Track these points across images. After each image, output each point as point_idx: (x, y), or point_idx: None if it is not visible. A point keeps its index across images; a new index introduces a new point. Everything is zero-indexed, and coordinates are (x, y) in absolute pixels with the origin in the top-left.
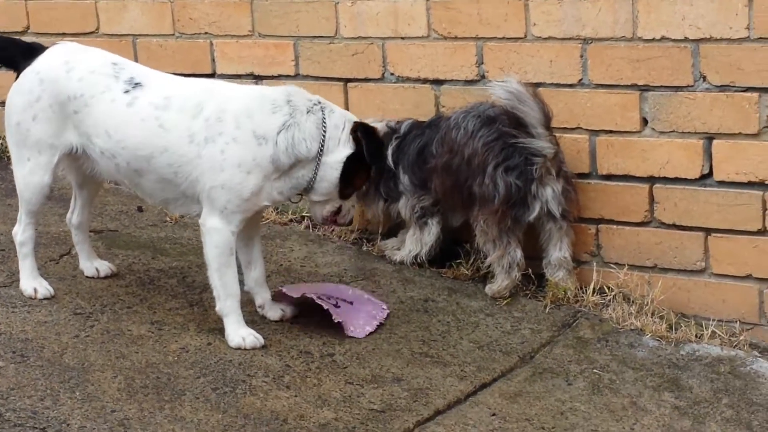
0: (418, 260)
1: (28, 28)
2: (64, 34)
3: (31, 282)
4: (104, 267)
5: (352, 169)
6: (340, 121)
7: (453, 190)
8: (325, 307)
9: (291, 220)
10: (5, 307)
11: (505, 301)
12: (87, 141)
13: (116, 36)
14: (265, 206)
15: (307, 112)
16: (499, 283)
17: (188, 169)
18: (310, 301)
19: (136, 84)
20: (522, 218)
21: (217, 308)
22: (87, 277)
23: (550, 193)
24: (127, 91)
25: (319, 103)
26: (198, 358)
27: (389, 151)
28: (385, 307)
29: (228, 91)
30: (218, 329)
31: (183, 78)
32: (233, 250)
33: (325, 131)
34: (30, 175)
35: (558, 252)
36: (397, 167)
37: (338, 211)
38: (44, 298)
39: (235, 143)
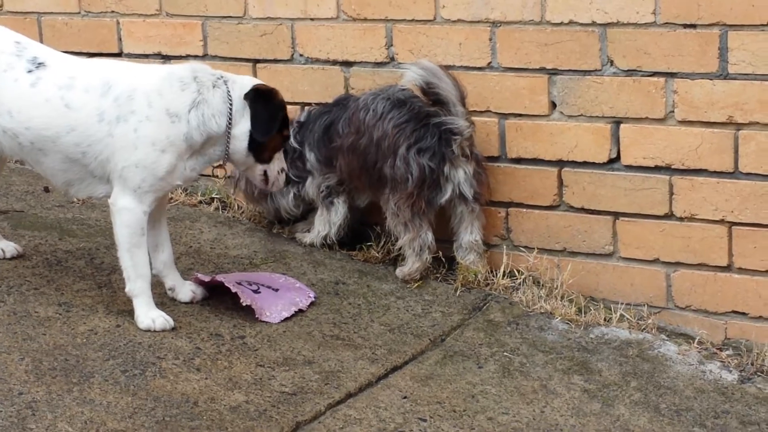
0: (328, 241)
1: None
2: None
3: None
4: (10, 248)
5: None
6: (243, 91)
7: (360, 171)
8: (233, 290)
9: (200, 202)
10: None
11: (416, 284)
12: None
13: (21, 14)
14: (176, 186)
15: (213, 87)
16: (410, 265)
17: (98, 148)
18: (221, 285)
19: (40, 64)
20: (434, 200)
21: (126, 289)
22: None
23: (462, 175)
24: (30, 71)
25: (222, 77)
26: (107, 340)
27: (291, 133)
28: (312, 295)
29: (135, 70)
30: (127, 311)
31: (85, 59)
32: (144, 230)
33: (231, 105)
34: None
35: (469, 235)
36: (302, 146)
37: (267, 176)
38: None
39: (149, 121)
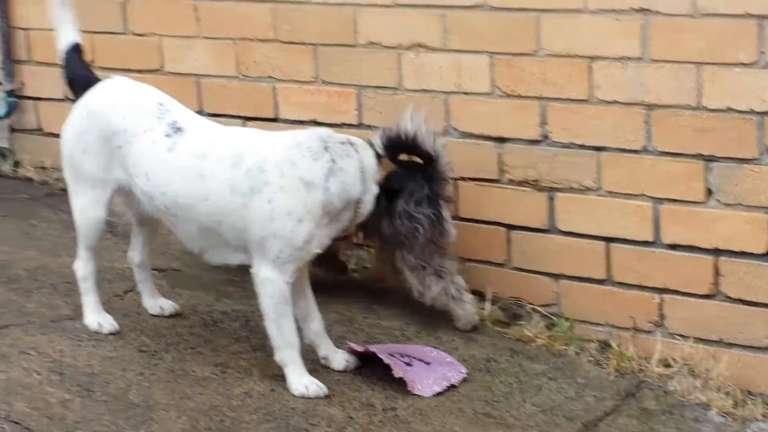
0: None
1: (93, 62)
2: (128, 70)
3: (96, 317)
4: (168, 306)
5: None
6: (372, 158)
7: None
8: (386, 361)
9: (353, 271)
10: (71, 340)
11: (565, 363)
12: (130, 179)
13: (180, 75)
14: (315, 254)
15: (346, 156)
16: (468, 310)
17: (233, 219)
18: (373, 356)
19: (178, 129)
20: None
21: (276, 358)
22: (151, 315)
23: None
24: (168, 135)
25: (351, 143)
26: (262, 404)
27: None
28: (464, 371)
29: (265, 140)
30: (281, 375)
31: (222, 126)
32: (288, 299)
33: (363, 172)
34: (85, 209)
35: None
36: None
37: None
38: (109, 333)
39: (283, 192)
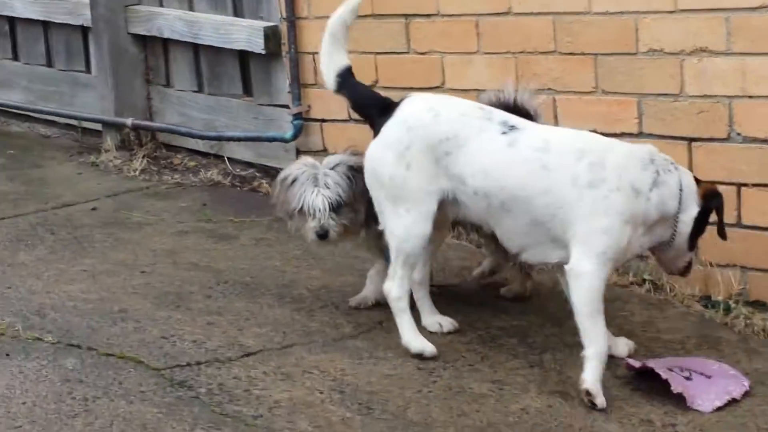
0: None
1: (376, 82)
2: (410, 88)
3: (416, 339)
4: (447, 323)
5: (698, 225)
6: (691, 179)
7: None
8: (664, 376)
9: (632, 283)
10: (352, 359)
11: None
12: (458, 183)
13: (461, 90)
14: (627, 260)
15: (668, 172)
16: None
17: (567, 211)
18: (651, 371)
19: (512, 126)
20: None
21: (586, 353)
22: (430, 332)
23: None
24: (504, 133)
25: (672, 162)
26: (539, 421)
27: None
28: (746, 384)
29: (603, 141)
30: (558, 392)
31: (549, 126)
32: (602, 298)
33: (681, 190)
34: (411, 226)
35: None
36: None
37: (689, 263)
38: (431, 358)
39: (618, 192)
